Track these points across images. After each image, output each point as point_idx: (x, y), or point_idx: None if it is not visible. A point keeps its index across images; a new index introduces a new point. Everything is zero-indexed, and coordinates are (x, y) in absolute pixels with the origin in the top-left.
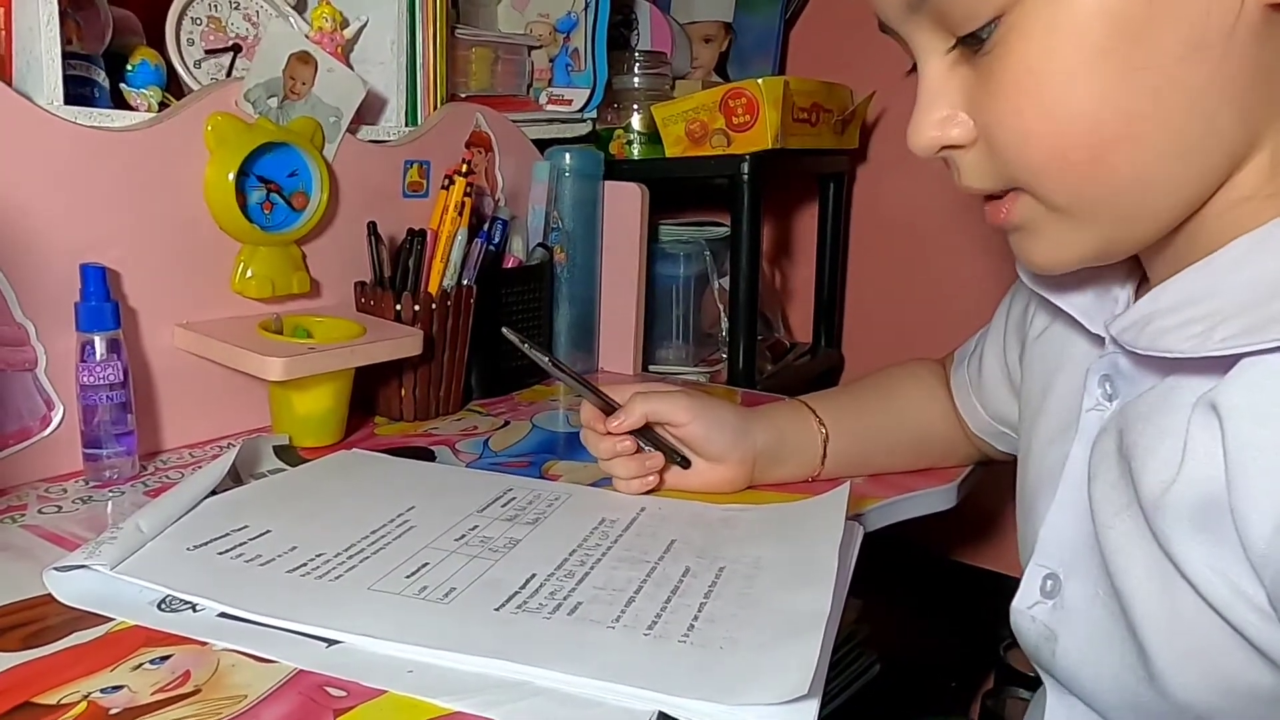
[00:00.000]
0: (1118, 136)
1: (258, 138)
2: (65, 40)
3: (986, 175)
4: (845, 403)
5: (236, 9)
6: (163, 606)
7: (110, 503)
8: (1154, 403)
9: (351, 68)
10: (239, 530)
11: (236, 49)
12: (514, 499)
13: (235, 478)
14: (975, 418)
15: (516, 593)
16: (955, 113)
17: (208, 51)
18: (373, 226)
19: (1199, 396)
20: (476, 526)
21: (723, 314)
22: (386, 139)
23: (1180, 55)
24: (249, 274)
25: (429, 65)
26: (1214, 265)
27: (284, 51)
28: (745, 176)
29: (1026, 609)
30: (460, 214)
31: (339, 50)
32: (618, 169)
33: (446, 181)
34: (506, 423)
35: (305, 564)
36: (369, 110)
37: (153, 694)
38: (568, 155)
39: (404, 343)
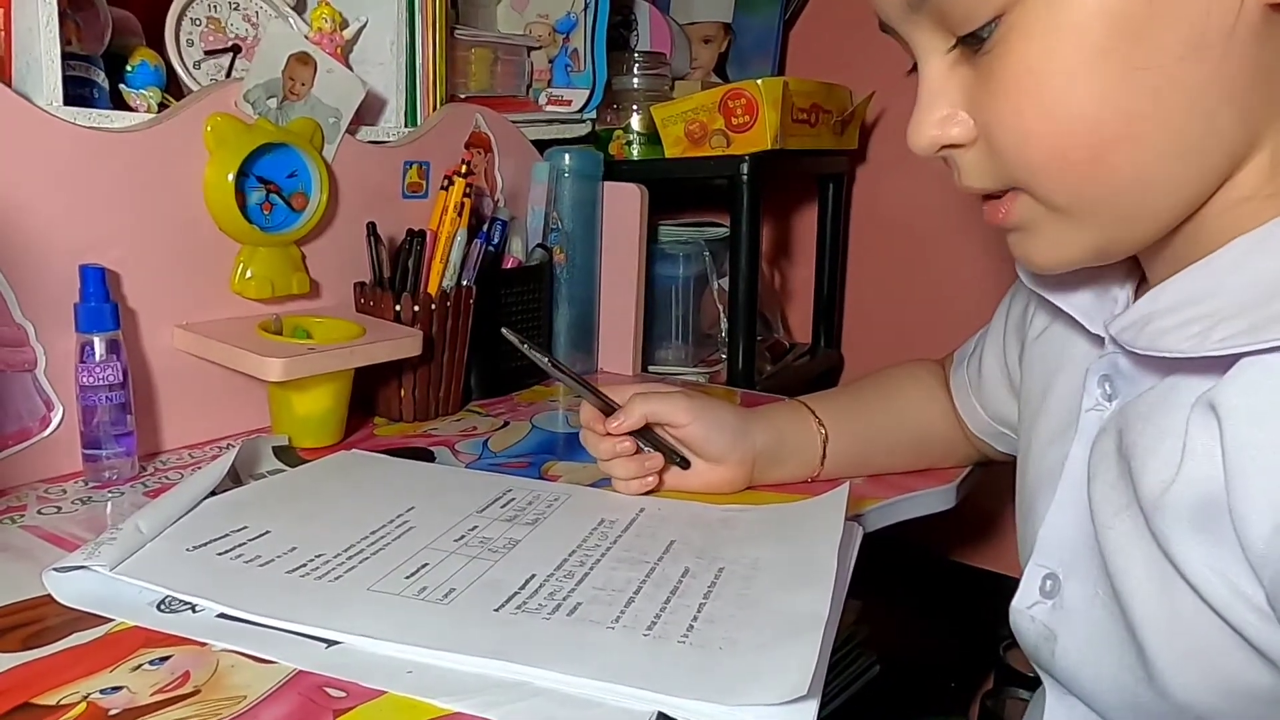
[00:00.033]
0: (1118, 136)
1: (257, 138)
2: (65, 41)
3: (986, 175)
4: (845, 403)
5: (236, 10)
6: (162, 607)
7: (110, 503)
8: (1153, 402)
9: (351, 68)
10: (238, 531)
11: (236, 50)
12: (513, 499)
13: (235, 478)
14: (975, 418)
15: (516, 593)
16: (955, 112)
17: (207, 52)
18: (372, 227)
19: (1198, 396)
20: (476, 527)
21: (722, 314)
22: (386, 140)
23: (1180, 55)
24: (248, 275)
25: (428, 66)
26: (1213, 265)
27: (283, 52)
28: (744, 177)
29: (1026, 609)
30: (460, 215)
31: (338, 51)
32: (617, 170)
33: (446, 182)
34: (506, 423)
35: (305, 564)
36: (368, 111)
37: (152, 694)
38: (567, 156)
39: (403, 343)
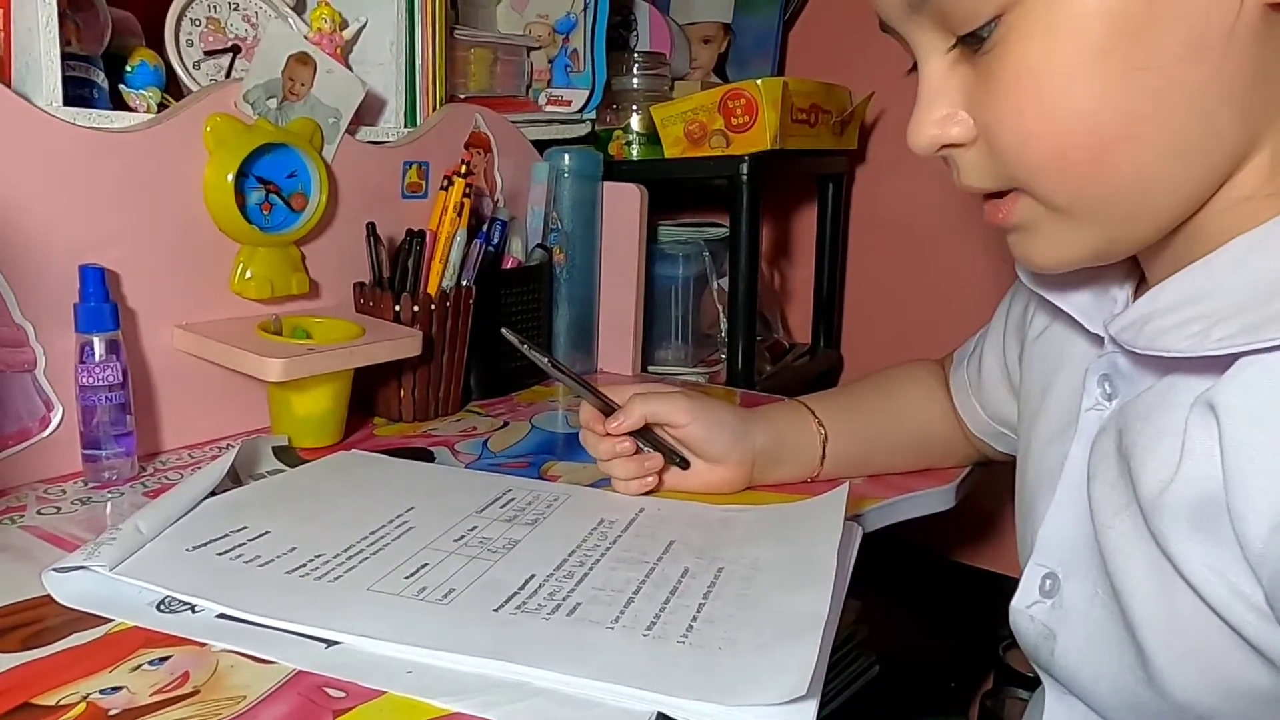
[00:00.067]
0: (1117, 137)
1: (257, 139)
2: (64, 41)
3: (986, 174)
4: (844, 403)
5: (235, 10)
6: (162, 607)
7: (109, 504)
8: (1152, 402)
9: (350, 69)
10: (238, 531)
11: (235, 50)
12: (513, 500)
13: (234, 478)
14: (974, 418)
15: (515, 593)
16: (955, 111)
17: (207, 52)
18: (372, 227)
19: (1197, 396)
20: (475, 527)
21: (722, 315)
22: (385, 140)
23: (1180, 55)
24: (248, 275)
25: (428, 66)
26: (1213, 265)
27: (283, 52)
28: (744, 177)
29: (1025, 608)
30: (459, 215)
31: (338, 51)
32: (617, 170)
33: (445, 182)
34: (505, 423)
35: (304, 565)
36: (368, 111)
37: (152, 695)
38: (567, 156)
39: (403, 343)
